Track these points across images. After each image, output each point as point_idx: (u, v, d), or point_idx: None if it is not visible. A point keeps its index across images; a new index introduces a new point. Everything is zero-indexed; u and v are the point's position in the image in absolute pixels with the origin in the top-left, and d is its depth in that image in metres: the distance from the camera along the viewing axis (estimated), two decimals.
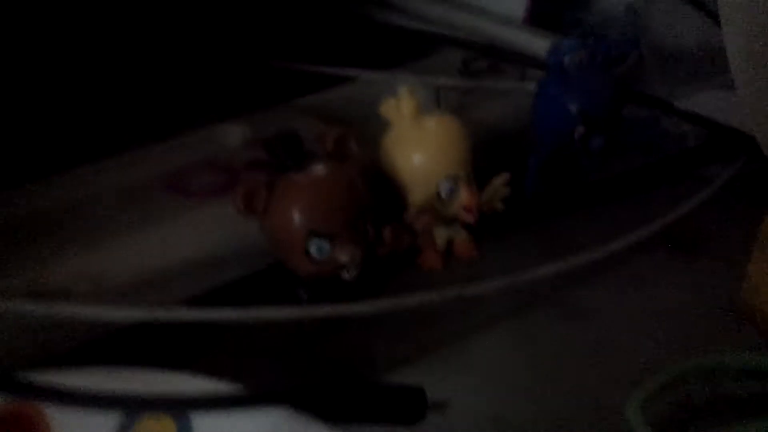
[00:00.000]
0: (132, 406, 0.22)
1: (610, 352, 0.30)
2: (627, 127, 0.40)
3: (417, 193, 0.32)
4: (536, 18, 0.47)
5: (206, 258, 0.30)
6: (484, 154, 0.37)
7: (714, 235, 0.36)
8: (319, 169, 0.29)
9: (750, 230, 0.31)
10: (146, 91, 0.42)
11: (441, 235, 0.34)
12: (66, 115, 0.39)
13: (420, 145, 0.32)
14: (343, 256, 0.29)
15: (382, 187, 0.33)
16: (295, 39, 0.49)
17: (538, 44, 0.42)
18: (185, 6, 0.46)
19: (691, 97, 0.44)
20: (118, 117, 0.39)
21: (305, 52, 0.47)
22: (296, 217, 0.28)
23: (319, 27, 0.50)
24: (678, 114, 0.40)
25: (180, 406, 0.22)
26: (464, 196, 0.33)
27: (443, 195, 0.33)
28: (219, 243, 0.30)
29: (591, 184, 0.39)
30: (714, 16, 0.37)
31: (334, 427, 0.22)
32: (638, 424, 0.24)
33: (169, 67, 0.44)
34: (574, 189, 0.38)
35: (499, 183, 0.35)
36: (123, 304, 0.26)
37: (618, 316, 0.32)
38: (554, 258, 0.33)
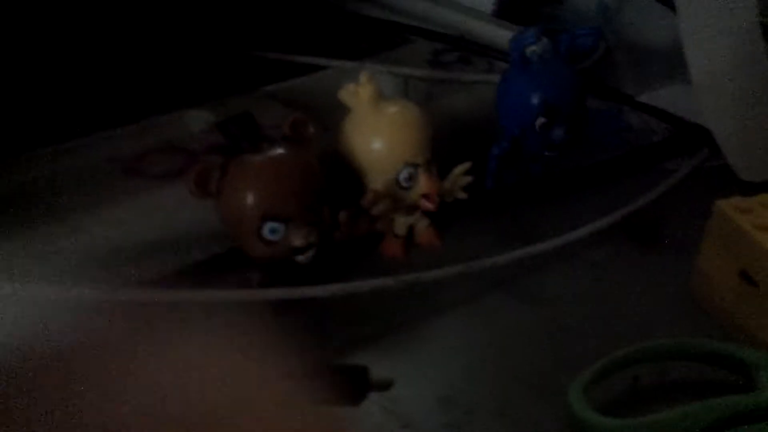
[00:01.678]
0: None
1: (563, 338, 0.30)
2: (590, 120, 0.41)
3: (376, 179, 0.33)
4: (507, 12, 0.47)
5: (162, 240, 0.30)
6: (450, 143, 0.37)
7: (672, 226, 0.37)
8: (274, 151, 0.29)
9: (707, 222, 0.31)
10: (116, 78, 0.42)
11: (402, 222, 0.35)
12: (30, 98, 0.39)
13: (379, 131, 0.32)
14: (297, 240, 0.29)
15: (341, 172, 0.33)
16: (267, 28, 0.49)
17: (507, 37, 0.43)
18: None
19: (659, 92, 0.45)
20: (86, 102, 0.39)
21: (276, 41, 0.47)
22: (250, 198, 0.28)
23: (290, 16, 0.50)
24: (639, 107, 0.41)
25: None
26: (423, 183, 0.33)
27: (402, 182, 0.33)
28: (175, 225, 0.30)
29: (553, 175, 0.39)
30: None
31: None
32: (580, 407, 0.25)
33: (140, 54, 0.44)
34: (536, 179, 0.38)
35: (459, 172, 0.35)
36: (70, 283, 0.26)
37: (573, 303, 0.32)
38: (513, 246, 0.33)
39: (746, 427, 0.24)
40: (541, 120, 0.36)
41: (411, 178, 0.33)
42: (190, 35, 0.47)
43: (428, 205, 0.33)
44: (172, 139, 0.35)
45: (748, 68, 0.35)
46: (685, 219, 0.36)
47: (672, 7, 0.46)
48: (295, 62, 0.45)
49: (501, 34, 0.44)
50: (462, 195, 0.35)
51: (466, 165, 0.35)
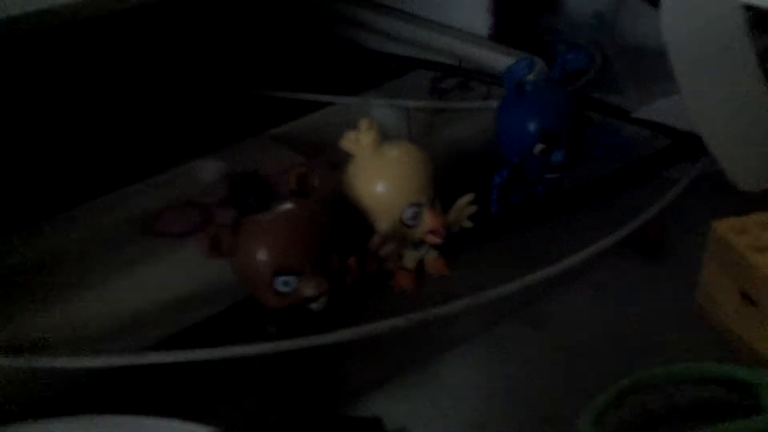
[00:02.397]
0: None
1: (572, 364, 0.31)
2: (589, 136, 0.42)
3: (382, 221, 0.34)
4: (503, 32, 0.48)
5: (181, 299, 0.31)
6: (453, 171, 0.38)
7: (676, 238, 0.37)
8: (281, 208, 0.30)
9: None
10: (122, 132, 0.44)
11: (411, 257, 0.36)
12: (40, 164, 0.40)
13: (381, 175, 0.33)
14: (309, 290, 0.30)
15: (348, 215, 0.34)
16: (266, 66, 0.50)
17: (503, 61, 0.43)
18: (159, 46, 0.48)
19: (659, 102, 0.45)
20: (94, 160, 0.41)
21: (278, 79, 0.49)
22: (261, 256, 0.29)
23: (289, 51, 0.51)
24: (633, 121, 0.41)
25: None
26: (428, 220, 0.34)
27: (407, 221, 0.34)
28: (192, 283, 0.32)
29: (556, 194, 0.40)
30: None
31: None
32: None
33: (140, 105, 0.46)
34: (539, 200, 0.39)
35: (463, 204, 0.36)
36: (99, 351, 0.27)
37: (580, 327, 0.33)
38: (522, 271, 0.34)
39: None
40: (539, 146, 0.37)
41: (416, 216, 0.34)
42: (192, 79, 0.48)
43: (435, 239, 0.34)
44: (186, 193, 0.36)
45: (737, 78, 0.36)
46: (688, 230, 0.37)
47: None
48: (298, 100, 0.46)
49: (499, 58, 0.45)
50: (467, 224, 0.36)
51: (470, 196, 0.36)
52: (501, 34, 0.48)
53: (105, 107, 0.44)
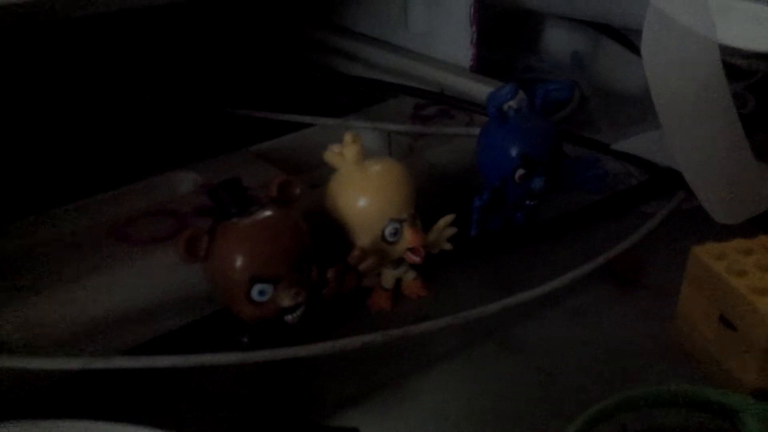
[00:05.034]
0: None
1: (550, 386, 0.31)
2: (569, 167, 0.42)
3: (362, 236, 0.33)
4: (484, 67, 0.49)
5: (150, 306, 0.30)
6: (433, 194, 0.38)
7: (653, 269, 0.37)
8: (260, 214, 0.30)
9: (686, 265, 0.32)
10: (105, 140, 0.43)
11: (389, 276, 0.35)
12: (17, 165, 0.39)
13: (364, 190, 0.33)
14: (286, 300, 0.29)
15: (328, 230, 0.34)
16: (251, 87, 0.50)
17: (484, 91, 0.44)
18: (141, 57, 0.48)
19: (636, 137, 0.46)
20: (72, 167, 0.40)
21: (261, 100, 0.49)
22: (238, 262, 0.28)
23: (273, 75, 0.51)
24: (614, 155, 0.42)
25: None
26: (409, 237, 0.34)
27: (388, 237, 0.33)
28: (163, 290, 0.31)
29: (535, 222, 0.40)
30: None
31: None
32: None
33: (124, 117, 0.45)
34: (518, 228, 0.39)
35: (443, 224, 0.36)
36: (60, 354, 0.26)
37: (558, 350, 0.33)
38: (500, 294, 0.34)
39: None
40: (520, 172, 0.37)
41: (396, 232, 0.34)
42: (175, 96, 0.48)
43: (415, 258, 0.34)
44: (160, 202, 0.35)
45: (714, 115, 0.37)
46: (665, 261, 0.37)
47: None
48: (280, 121, 0.46)
49: (479, 89, 0.45)
50: (447, 246, 0.36)
51: (450, 217, 0.36)
52: (482, 70, 0.49)
53: (87, 115, 0.44)
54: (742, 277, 0.29)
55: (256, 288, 0.29)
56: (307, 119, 0.45)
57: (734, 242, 0.31)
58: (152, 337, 0.30)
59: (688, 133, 0.37)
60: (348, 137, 0.33)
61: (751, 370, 0.28)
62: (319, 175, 0.36)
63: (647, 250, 0.38)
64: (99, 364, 0.27)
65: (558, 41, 0.54)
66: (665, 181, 0.41)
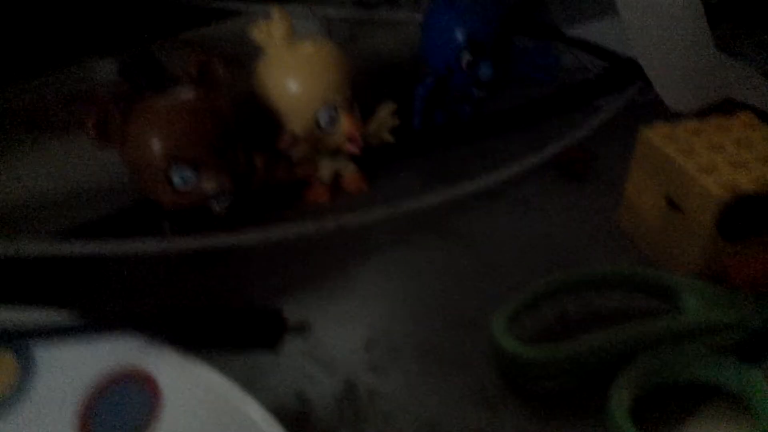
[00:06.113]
0: None
1: (490, 276, 0.30)
2: (519, 57, 0.40)
3: (294, 122, 0.31)
4: None
5: (65, 193, 0.28)
6: (375, 85, 0.36)
7: (603, 162, 0.36)
8: (180, 92, 0.27)
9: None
10: (18, 27, 0.39)
11: (326, 167, 0.33)
12: None
13: (294, 71, 0.30)
14: (209, 185, 0.27)
15: (259, 116, 0.32)
16: None
17: None
18: None
19: (590, 26, 0.44)
20: None
21: None
22: (155, 141, 0.26)
23: None
24: (569, 42, 0.40)
25: (16, 337, 0.21)
26: (345, 124, 0.31)
27: (323, 124, 0.31)
28: (78, 177, 0.28)
29: (482, 115, 0.38)
30: None
31: (188, 352, 0.21)
32: (503, 337, 0.24)
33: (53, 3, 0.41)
34: (464, 121, 0.38)
35: (385, 113, 0.34)
36: None
37: (502, 241, 0.32)
38: (443, 188, 0.32)
39: (666, 347, 0.24)
40: (467, 57, 0.35)
41: (333, 121, 0.31)
42: None
43: (353, 147, 0.32)
44: (75, 89, 0.32)
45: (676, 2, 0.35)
46: (616, 154, 0.36)
47: None
48: (211, 8, 0.42)
49: None
50: (388, 138, 0.34)
51: (391, 106, 0.34)
52: None
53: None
54: (690, 156, 0.27)
55: (176, 172, 0.27)
56: (240, 6, 0.41)
57: (684, 124, 0.29)
58: (67, 228, 0.28)
59: (647, 19, 0.35)
60: (276, 13, 0.30)
61: (695, 251, 0.27)
62: (249, 66, 0.34)
63: (599, 143, 0.37)
64: (11, 250, 0.24)
65: None
66: (621, 70, 0.39)
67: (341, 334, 0.26)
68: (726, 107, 0.35)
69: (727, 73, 0.38)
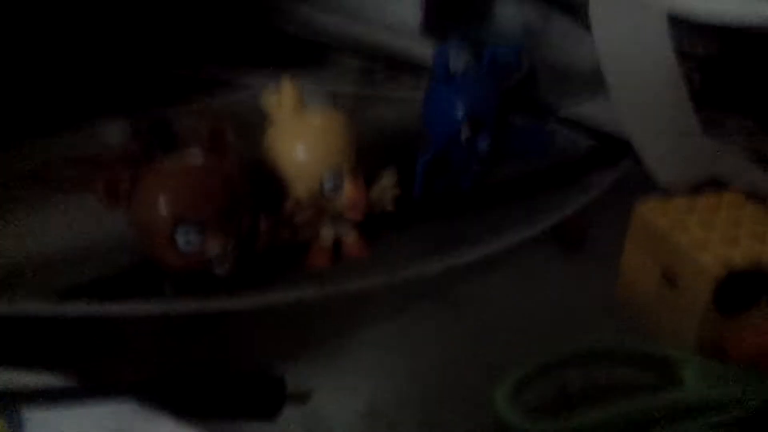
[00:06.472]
0: None
1: (490, 346, 0.30)
2: (516, 135, 0.41)
3: (300, 188, 0.32)
4: (432, 29, 0.47)
5: (70, 252, 0.28)
6: (377, 157, 0.37)
7: (598, 235, 0.37)
8: (189, 155, 0.28)
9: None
10: (30, 89, 0.40)
11: (328, 233, 0.34)
12: None
13: (301, 138, 0.31)
14: (214, 248, 0.27)
15: (266, 183, 0.32)
16: (196, 46, 0.48)
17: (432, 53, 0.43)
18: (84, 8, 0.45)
19: (581, 108, 0.46)
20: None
21: (204, 60, 0.46)
22: (162, 203, 0.27)
23: (217, 34, 0.49)
24: (561, 122, 0.42)
25: (7, 401, 0.21)
26: (348, 190, 0.32)
27: (327, 189, 0.32)
28: (84, 237, 0.29)
29: (481, 187, 0.39)
30: None
31: (186, 421, 0.21)
32: (506, 410, 0.24)
33: (67, 69, 0.42)
34: (463, 192, 0.38)
35: (387, 181, 0.34)
36: None
37: (500, 311, 0.32)
38: (442, 256, 0.33)
39: (667, 425, 0.24)
40: (465, 133, 0.36)
41: (337, 187, 0.32)
42: (115, 51, 0.45)
43: (354, 213, 0.33)
44: (84, 150, 0.33)
45: (660, 80, 0.37)
46: (610, 227, 0.36)
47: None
48: (220, 80, 0.44)
49: (426, 52, 0.44)
50: (390, 207, 0.35)
51: (393, 173, 0.34)
52: (429, 31, 0.48)
53: (26, 59, 0.41)
54: (684, 232, 0.28)
55: (182, 233, 0.27)
56: (247, 80, 0.43)
57: (678, 200, 0.30)
58: (70, 287, 0.28)
59: (636, 99, 0.37)
60: (286, 83, 0.31)
61: (691, 327, 0.28)
62: (257, 136, 0.34)
63: (594, 216, 0.37)
64: (10, 310, 0.24)
65: (508, 14, 0.54)
66: (611, 149, 0.41)
67: (340, 405, 0.26)
68: (715, 184, 0.37)
69: (712, 153, 0.39)
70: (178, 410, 0.21)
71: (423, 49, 0.45)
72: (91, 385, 0.21)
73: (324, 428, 0.25)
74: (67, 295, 0.27)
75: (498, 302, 0.32)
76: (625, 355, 0.27)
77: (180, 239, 0.27)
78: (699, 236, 0.28)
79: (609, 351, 0.27)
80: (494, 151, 0.37)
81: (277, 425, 0.25)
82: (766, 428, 0.24)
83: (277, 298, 0.28)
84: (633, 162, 0.39)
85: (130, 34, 0.47)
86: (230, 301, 0.28)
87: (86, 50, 0.44)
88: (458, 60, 0.37)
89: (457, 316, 0.31)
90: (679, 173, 0.36)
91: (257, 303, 0.28)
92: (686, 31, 0.49)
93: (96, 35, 0.45)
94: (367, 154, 0.34)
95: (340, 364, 0.28)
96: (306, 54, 0.48)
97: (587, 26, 0.49)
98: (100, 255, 0.29)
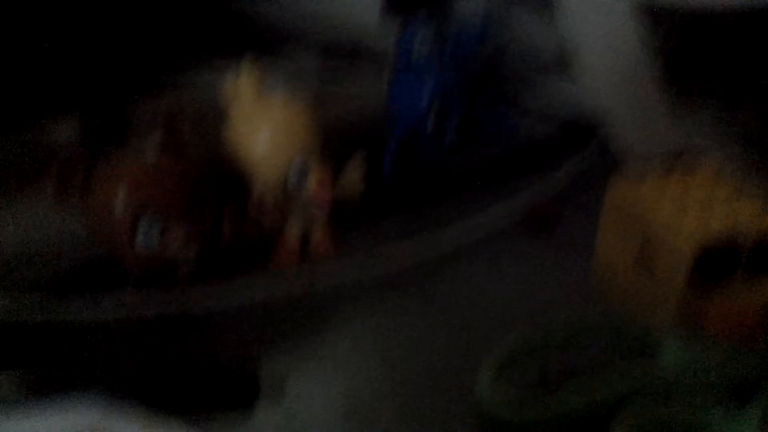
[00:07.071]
0: None
1: (466, 337, 0.29)
2: (481, 122, 0.41)
3: (263, 181, 0.30)
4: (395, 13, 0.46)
5: (23, 253, 0.27)
6: (342, 147, 0.36)
7: (569, 221, 0.36)
8: (145, 148, 0.26)
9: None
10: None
11: (294, 230, 0.32)
12: None
13: (263, 127, 0.30)
14: (175, 242, 0.26)
15: (229, 176, 0.31)
16: (152, 38, 0.46)
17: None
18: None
19: (547, 92, 0.46)
20: None
21: (162, 47, 0.44)
22: (121, 195, 0.25)
23: (175, 21, 0.48)
24: (525, 109, 0.41)
25: None
26: (314, 181, 0.31)
27: (292, 181, 0.31)
28: (37, 237, 0.27)
29: (448, 175, 0.38)
30: None
31: (157, 417, 0.20)
32: (488, 401, 0.23)
33: (19, 66, 0.40)
34: (432, 180, 0.38)
35: (353, 173, 0.33)
36: None
37: (474, 301, 0.31)
38: (411, 247, 0.32)
39: (651, 401, 0.23)
40: (431, 121, 0.36)
41: (301, 179, 0.31)
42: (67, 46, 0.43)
43: (320, 203, 0.31)
44: (36, 149, 0.31)
45: (628, 49, 0.37)
46: (581, 212, 0.36)
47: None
48: (178, 72, 0.42)
49: (389, 40, 0.43)
50: (357, 203, 0.34)
51: (360, 165, 0.33)
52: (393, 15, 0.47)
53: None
54: (658, 210, 0.28)
55: (142, 228, 0.25)
56: (206, 70, 0.41)
57: (650, 178, 0.30)
58: (27, 289, 0.26)
59: (605, 74, 0.37)
60: (245, 67, 0.30)
61: (669, 304, 0.27)
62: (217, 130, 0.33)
63: (563, 203, 0.37)
64: None
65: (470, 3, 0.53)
66: (579, 133, 0.40)
67: (317, 401, 0.25)
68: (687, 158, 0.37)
69: (684, 126, 0.39)
70: (148, 406, 0.20)
71: (386, 36, 0.44)
72: (58, 383, 0.20)
73: (300, 423, 0.24)
74: (27, 292, 0.26)
75: (474, 292, 0.32)
76: (604, 335, 0.27)
77: (140, 236, 0.26)
78: (673, 213, 0.28)
79: (587, 329, 0.27)
80: (460, 139, 0.37)
81: (252, 420, 0.23)
82: (750, 395, 0.23)
83: (241, 297, 0.27)
84: (602, 146, 0.39)
85: (83, 28, 0.45)
86: (195, 300, 0.26)
87: (36, 46, 0.42)
88: (423, 44, 0.36)
89: (431, 307, 0.31)
90: (650, 148, 0.36)
91: (223, 303, 0.27)
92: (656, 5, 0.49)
93: (46, 31, 0.43)
94: (333, 145, 0.33)
95: (316, 359, 0.27)
96: (266, 42, 0.46)
97: (553, 8, 0.49)
98: (56, 255, 0.27)
